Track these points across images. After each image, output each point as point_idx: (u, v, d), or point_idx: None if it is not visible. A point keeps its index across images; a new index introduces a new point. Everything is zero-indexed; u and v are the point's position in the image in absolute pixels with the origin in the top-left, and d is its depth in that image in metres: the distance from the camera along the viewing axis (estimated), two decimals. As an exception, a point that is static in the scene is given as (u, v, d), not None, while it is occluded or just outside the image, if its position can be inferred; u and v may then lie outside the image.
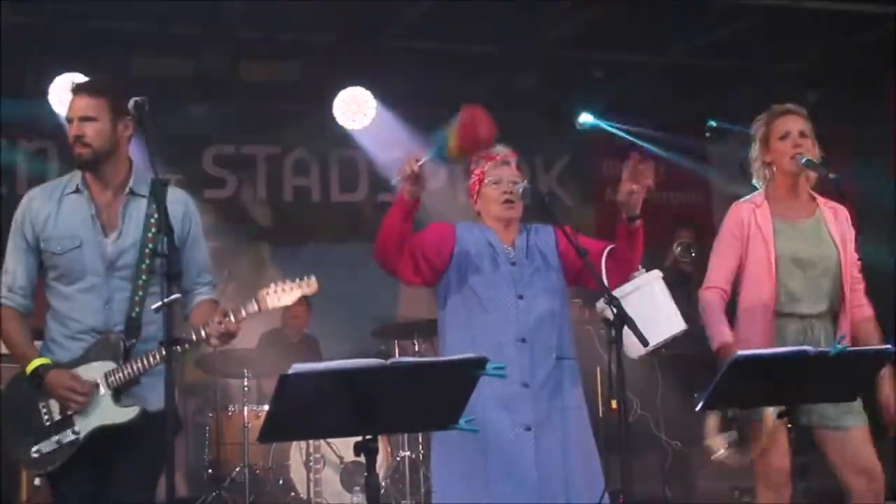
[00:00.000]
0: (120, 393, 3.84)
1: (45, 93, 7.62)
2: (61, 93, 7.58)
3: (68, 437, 3.81)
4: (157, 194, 3.64)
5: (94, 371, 3.84)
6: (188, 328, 3.92)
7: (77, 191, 3.96)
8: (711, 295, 4.46)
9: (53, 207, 3.94)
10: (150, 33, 7.76)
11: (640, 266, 4.30)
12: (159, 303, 3.50)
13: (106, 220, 3.94)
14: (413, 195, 4.02)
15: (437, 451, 4.21)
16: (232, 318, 3.83)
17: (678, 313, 4.44)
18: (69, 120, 3.92)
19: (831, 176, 4.36)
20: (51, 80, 7.62)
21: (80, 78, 4.22)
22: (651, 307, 4.20)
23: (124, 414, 3.82)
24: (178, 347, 3.69)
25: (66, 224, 3.92)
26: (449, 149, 3.96)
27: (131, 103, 3.82)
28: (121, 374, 3.82)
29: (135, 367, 3.81)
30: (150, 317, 3.80)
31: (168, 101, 8.16)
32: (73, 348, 3.88)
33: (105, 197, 3.96)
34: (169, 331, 3.47)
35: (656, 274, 4.44)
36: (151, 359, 3.79)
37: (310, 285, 3.95)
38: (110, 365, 3.84)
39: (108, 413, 3.82)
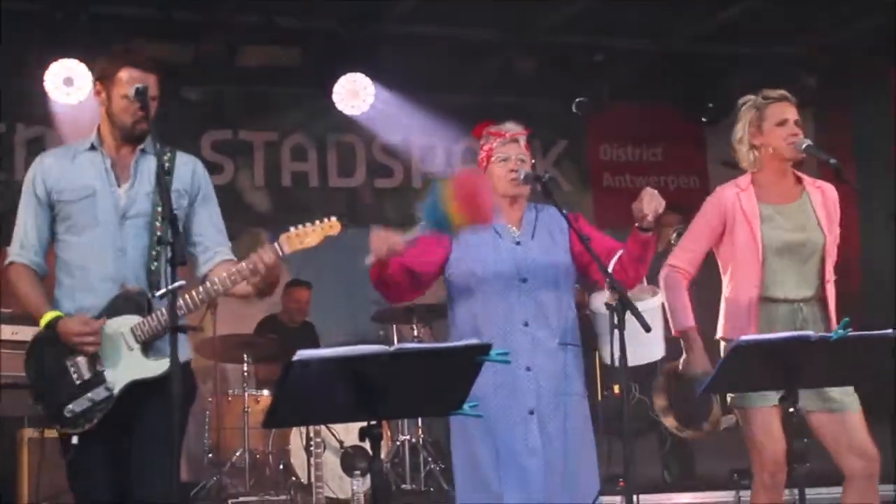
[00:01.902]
0: (148, 347, 3.83)
1: (45, 78, 7.60)
2: (58, 79, 7.58)
3: (101, 393, 3.78)
4: (161, 180, 3.63)
5: (119, 325, 3.82)
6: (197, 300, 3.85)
7: (91, 148, 3.97)
8: (675, 274, 4.47)
9: (67, 163, 3.95)
10: (150, 18, 7.76)
11: (645, 280, 4.30)
12: (164, 289, 3.50)
13: (120, 173, 3.94)
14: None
15: (454, 438, 4.21)
16: (261, 261, 3.78)
17: (662, 342, 4.47)
18: (140, 93, 3.83)
19: (832, 161, 4.37)
20: (49, 65, 7.60)
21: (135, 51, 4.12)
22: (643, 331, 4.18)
23: (157, 367, 3.78)
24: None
25: (80, 176, 3.92)
26: (452, 224, 3.88)
27: (132, 90, 3.84)
28: (147, 327, 3.80)
29: (161, 318, 3.77)
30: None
31: (166, 86, 8.13)
32: (88, 301, 3.84)
33: (120, 153, 3.97)
34: (173, 317, 3.45)
35: (659, 301, 4.46)
36: (179, 310, 3.67)
37: (332, 226, 3.88)
38: (135, 318, 3.82)
39: (139, 367, 3.79)
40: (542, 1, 7.99)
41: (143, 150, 3.96)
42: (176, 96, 8.59)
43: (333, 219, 3.90)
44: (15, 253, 3.94)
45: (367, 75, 8.42)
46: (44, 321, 3.83)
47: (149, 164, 3.92)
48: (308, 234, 3.85)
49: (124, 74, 3.89)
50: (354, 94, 8.41)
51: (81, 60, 7.46)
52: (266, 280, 3.87)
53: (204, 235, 4.03)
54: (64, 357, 3.82)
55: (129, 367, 3.80)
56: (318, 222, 3.88)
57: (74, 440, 3.78)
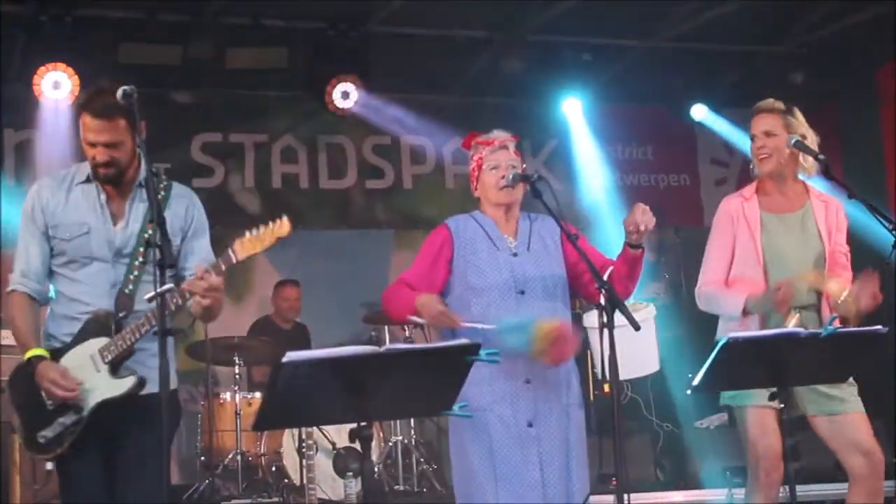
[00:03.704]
0: (117, 367, 3.84)
1: (31, 82, 7.57)
2: (45, 83, 7.57)
3: (71, 417, 3.81)
4: (149, 185, 3.63)
5: (87, 349, 3.84)
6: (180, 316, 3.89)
7: (87, 180, 3.97)
8: (706, 287, 4.47)
9: (63, 197, 3.96)
10: (137, 21, 7.74)
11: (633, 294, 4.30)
12: (153, 293, 3.50)
13: (115, 210, 3.95)
14: None
15: (452, 449, 4.20)
16: (213, 273, 3.77)
17: (657, 355, 4.46)
18: (91, 144, 3.87)
19: (820, 157, 4.39)
20: (37, 69, 7.57)
21: (88, 93, 4.06)
22: (639, 344, 4.18)
23: (121, 385, 3.81)
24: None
25: (75, 211, 3.93)
26: (534, 349, 3.96)
27: (120, 92, 3.80)
28: (114, 347, 3.82)
29: (127, 338, 3.80)
30: (142, 297, 3.78)
31: (155, 89, 8.14)
32: (72, 328, 3.88)
33: (116, 189, 3.97)
34: (162, 321, 3.47)
35: (651, 312, 4.45)
36: (141, 328, 3.78)
37: (282, 227, 3.86)
38: (103, 340, 3.84)
39: (106, 387, 3.82)
40: (529, 0, 7.99)
41: (140, 185, 3.96)
42: (165, 99, 8.59)
43: (284, 219, 3.88)
44: (17, 281, 3.96)
45: (355, 76, 8.41)
46: (27, 355, 3.86)
47: (143, 199, 3.93)
48: (259, 239, 3.84)
49: (83, 122, 3.88)
50: (344, 95, 8.41)
51: (67, 64, 7.44)
52: (207, 305, 3.80)
53: (186, 264, 4.00)
54: (39, 385, 3.84)
55: (97, 388, 3.82)
56: (270, 224, 3.87)
57: (49, 466, 3.79)
